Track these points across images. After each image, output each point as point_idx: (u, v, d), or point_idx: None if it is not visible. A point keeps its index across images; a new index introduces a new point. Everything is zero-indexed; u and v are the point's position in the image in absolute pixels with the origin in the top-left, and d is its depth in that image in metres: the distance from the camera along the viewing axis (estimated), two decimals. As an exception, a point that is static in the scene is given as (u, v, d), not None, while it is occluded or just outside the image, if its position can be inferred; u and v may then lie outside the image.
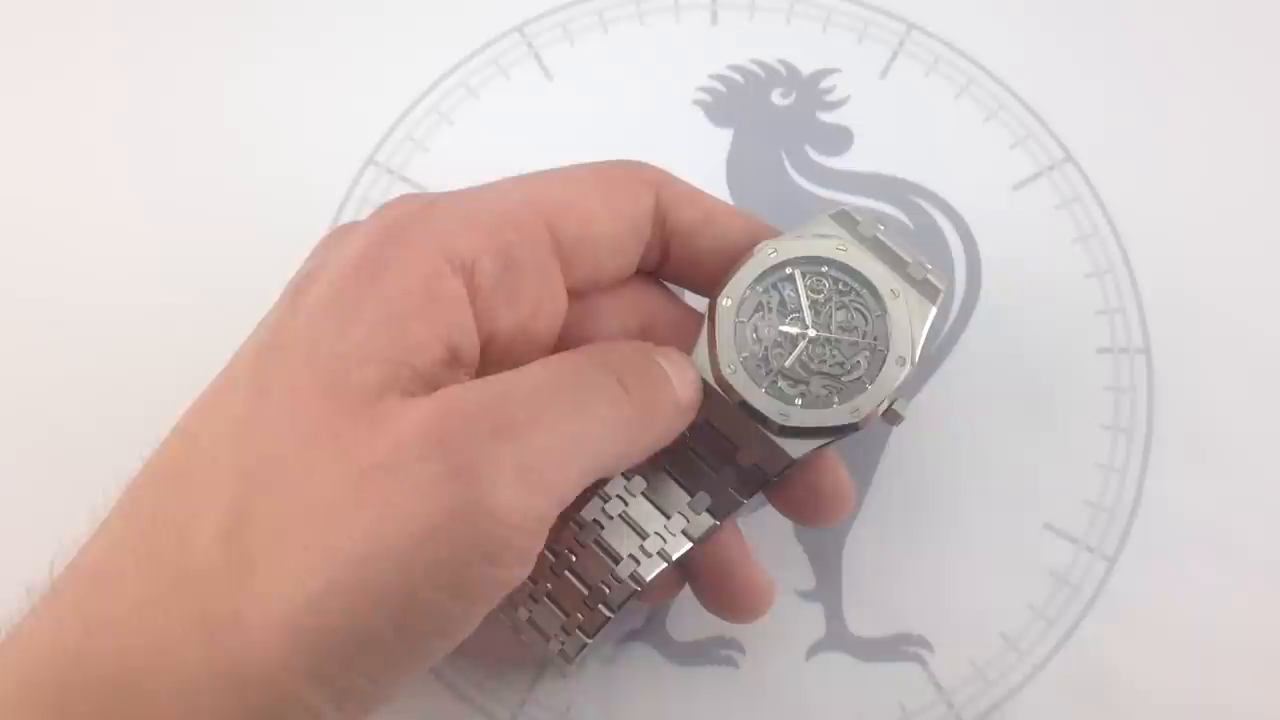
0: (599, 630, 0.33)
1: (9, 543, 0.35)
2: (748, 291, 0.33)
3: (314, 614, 0.26)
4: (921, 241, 0.42)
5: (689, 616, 0.39)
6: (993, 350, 0.42)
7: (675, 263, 0.35)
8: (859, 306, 0.34)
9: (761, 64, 0.45)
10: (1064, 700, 0.39)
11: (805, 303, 0.34)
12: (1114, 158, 0.44)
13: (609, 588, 0.33)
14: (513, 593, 0.29)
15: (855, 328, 0.33)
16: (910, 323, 0.33)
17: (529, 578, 0.29)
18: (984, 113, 0.44)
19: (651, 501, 0.34)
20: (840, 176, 0.44)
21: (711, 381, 0.33)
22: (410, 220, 0.30)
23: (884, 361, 0.33)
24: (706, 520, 0.34)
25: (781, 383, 0.33)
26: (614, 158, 0.34)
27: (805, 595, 0.40)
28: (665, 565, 0.33)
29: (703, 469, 0.33)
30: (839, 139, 0.44)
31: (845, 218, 0.34)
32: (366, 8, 0.46)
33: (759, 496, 0.35)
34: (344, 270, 0.29)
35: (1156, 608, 0.39)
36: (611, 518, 0.33)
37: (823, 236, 0.34)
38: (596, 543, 0.33)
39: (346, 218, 0.43)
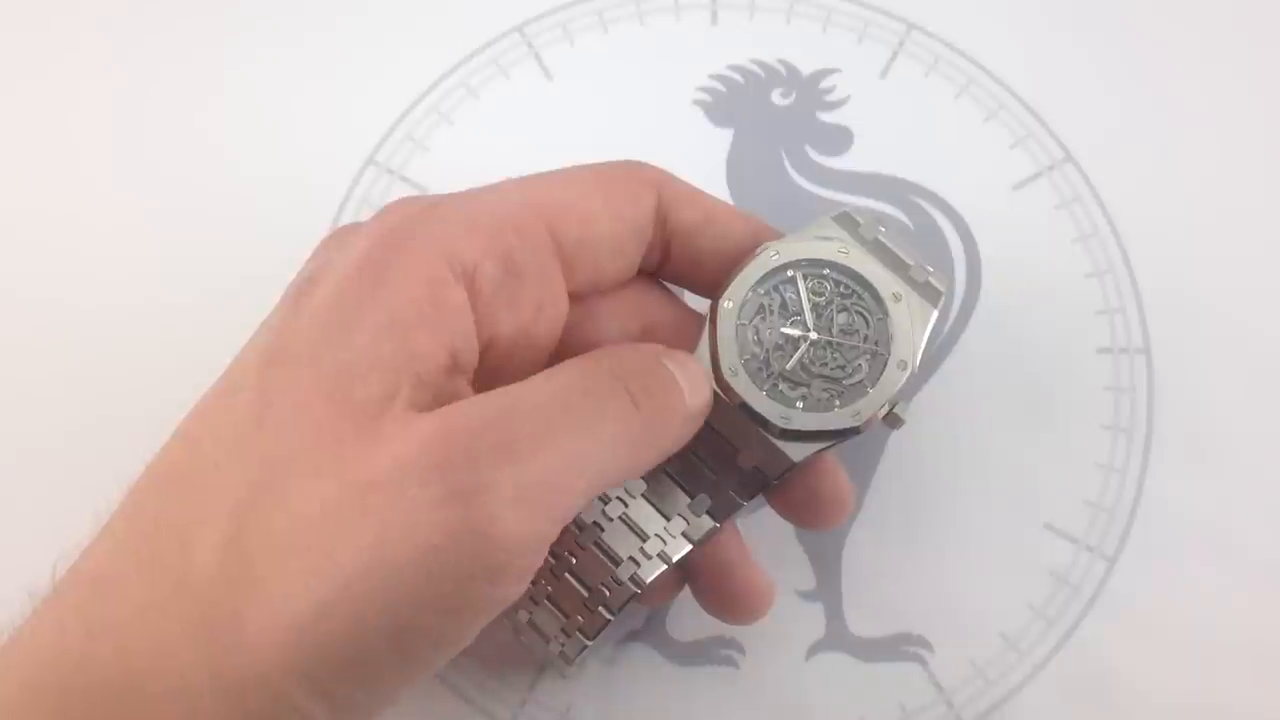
0: (599, 632, 0.33)
1: (11, 545, 0.35)
2: (749, 293, 0.33)
3: (313, 625, 0.26)
4: (922, 242, 0.42)
5: (689, 617, 0.39)
6: (993, 350, 0.42)
7: (676, 263, 0.35)
8: (860, 309, 0.34)
9: (761, 64, 0.45)
10: (1064, 700, 0.39)
11: (807, 305, 0.34)
12: (1114, 158, 0.44)
13: (609, 590, 0.33)
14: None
15: (857, 331, 0.33)
16: (912, 326, 0.33)
17: (529, 580, 0.29)
18: (984, 113, 0.44)
19: (651, 504, 0.34)
20: (840, 176, 0.44)
21: (712, 384, 0.33)
22: (412, 224, 0.30)
23: (885, 365, 0.33)
24: (706, 522, 0.34)
25: (783, 385, 0.33)
26: (614, 158, 0.34)
27: (805, 595, 0.40)
28: (665, 567, 0.33)
29: (703, 471, 0.33)
30: (839, 139, 0.44)
31: (847, 220, 0.34)
32: (367, 8, 0.46)
33: (759, 497, 0.35)
34: (347, 275, 0.29)
35: (1156, 608, 0.39)
36: (611, 520, 0.33)
37: (824, 239, 0.34)
38: (596, 545, 0.33)
39: (346, 218, 0.43)
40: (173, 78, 0.45)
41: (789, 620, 0.40)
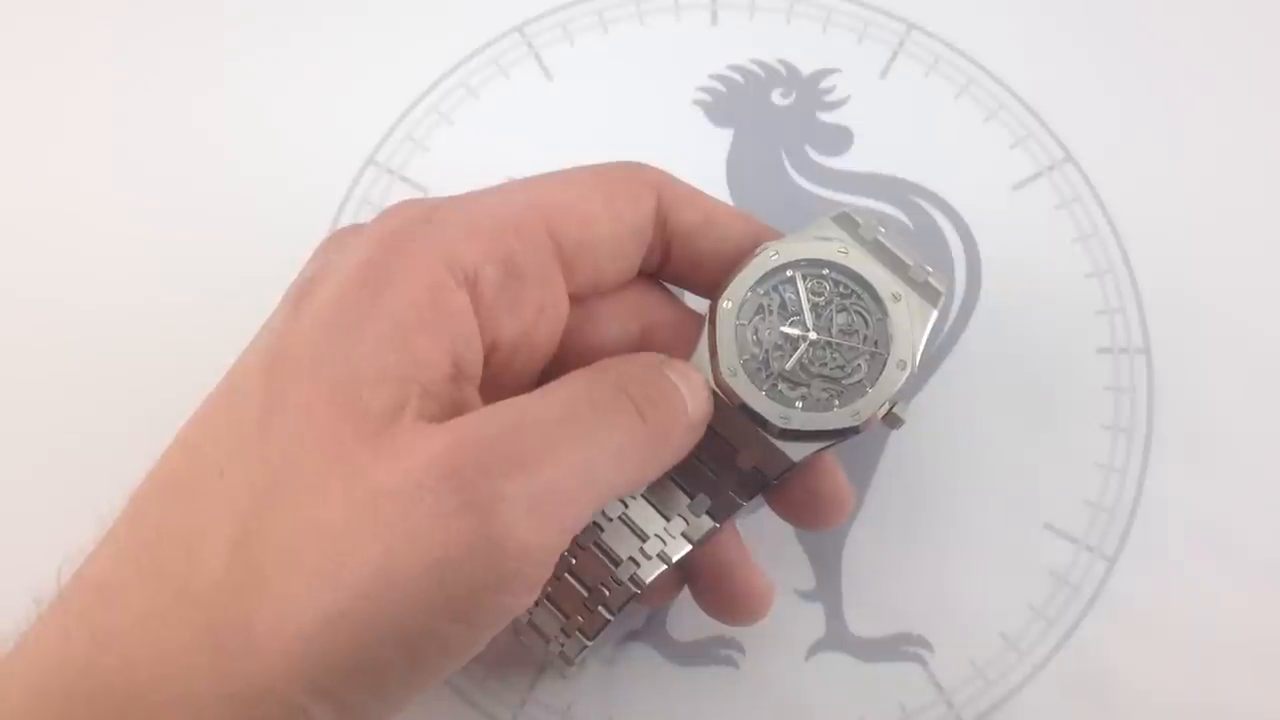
0: (599, 632, 0.33)
1: (13, 547, 0.35)
2: (748, 294, 0.33)
3: (322, 634, 0.25)
4: (921, 242, 0.42)
5: (689, 617, 0.39)
6: (993, 350, 0.42)
7: (676, 265, 0.35)
8: (860, 309, 0.34)
9: (761, 64, 0.45)
10: (1064, 700, 0.39)
11: (806, 305, 0.34)
12: (1114, 158, 0.44)
13: (609, 590, 0.33)
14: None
15: (856, 331, 0.33)
16: (911, 326, 0.33)
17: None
18: (984, 113, 0.44)
19: (651, 504, 0.34)
20: (840, 176, 0.44)
21: (712, 384, 0.33)
22: (413, 228, 0.30)
23: (885, 365, 0.33)
24: (706, 522, 0.34)
25: (782, 385, 0.33)
26: (614, 158, 0.34)
27: (805, 595, 0.40)
28: (665, 567, 0.33)
29: (703, 471, 0.33)
30: (839, 139, 0.44)
31: (846, 220, 0.34)
32: (367, 8, 0.46)
33: (759, 497, 0.35)
34: (348, 279, 0.29)
35: (1156, 608, 0.39)
36: (611, 520, 0.33)
37: (824, 239, 0.34)
38: (596, 545, 0.33)
39: (346, 218, 0.43)
40: (172, 77, 0.45)
41: (789, 620, 0.40)
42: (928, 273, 0.34)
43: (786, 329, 0.33)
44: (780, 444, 0.33)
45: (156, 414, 0.30)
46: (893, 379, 0.33)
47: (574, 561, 0.33)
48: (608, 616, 0.33)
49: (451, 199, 0.32)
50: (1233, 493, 0.40)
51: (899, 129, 0.44)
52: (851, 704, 0.39)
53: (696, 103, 0.45)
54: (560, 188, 0.32)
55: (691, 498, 0.34)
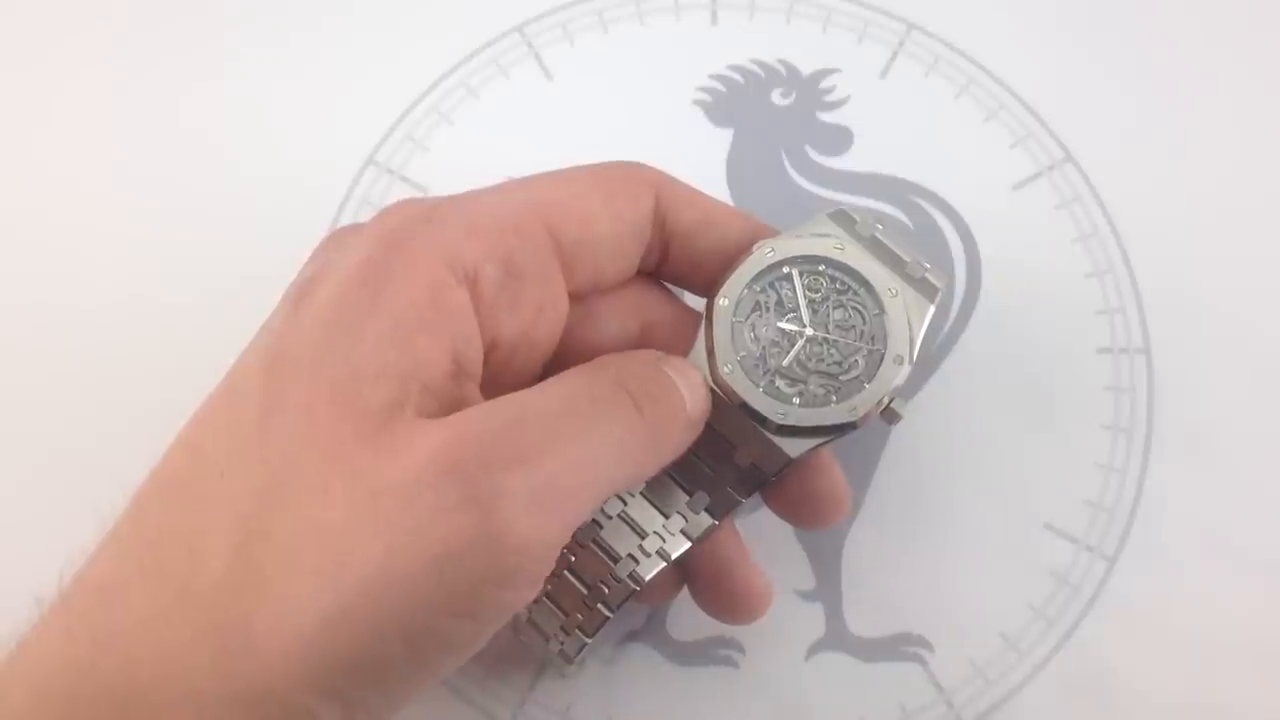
0: (598, 630, 0.33)
1: (14, 549, 0.35)
2: (745, 291, 0.33)
3: (325, 634, 0.25)
4: (921, 241, 0.42)
5: (689, 617, 0.39)
6: (993, 350, 0.42)
7: (675, 263, 0.35)
8: (857, 305, 0.34)
9: (761, 64, 0.45)
10: (1064, 700, 0.39)
11: (803, 302, 0.34)
12: (1114, 158, 0.44)
13: (608, 587, 0.33)
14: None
15: (853, 327, 0.33)
16: (908, 322, 0.33)
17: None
18: (984, 113, 0.44)
19: (650, 501, 0.34)
20: (840, 176, 0.44)
21: (710, 381, 0.33)
22: (413, 227, 0.30)
23: (882, 360, 0.33)
24: (705, 520, 0.34)
25: (779, 382, 0.33)
26: (614, 158, 0.34)
27: (805, 595, 0.40)
28: (664, 565, 0.33)
29: (701, 468, 0.33)
30: (839, 139, 0.44)
31: (843, 217, 0.34)
32: (367, 8, 0.46)
33: (758, 496, 0.35)
34: (348, 278, 0.29)
35: (1156, 608, 0.39)
36: (610, 517, 0.33)
37: (820, 236, 0.34)
38: (595, 542, 0.33)
39: (346, 217, 0.43)
40: (172, 77, 0.45)
41: (789, 620, 0.40)
42: (925, 269, 0.34)
43: (783, 325, 0.33)
44: (778, 440, 0.33)
45: (157, 414, 0.30)
46: (890, 374, 0.33)
47: (573, 559, 0.33)
48: (607, 614, 0.33)
49: (451, 198, 0.32)
50: (1233, 493, 0.40)
51: (899, 129, 0.44)
52: (851, 704, 0.39)
53: (696, 103, 0.45)
54: (560, 187, 0.33)
55: (690, 495, 0.34)
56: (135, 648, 0.26)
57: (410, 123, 0.45)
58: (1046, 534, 0.40)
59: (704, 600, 0.36)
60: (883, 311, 0.33)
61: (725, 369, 0.33)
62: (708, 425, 0.33)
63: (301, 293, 0.30)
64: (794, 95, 0.45)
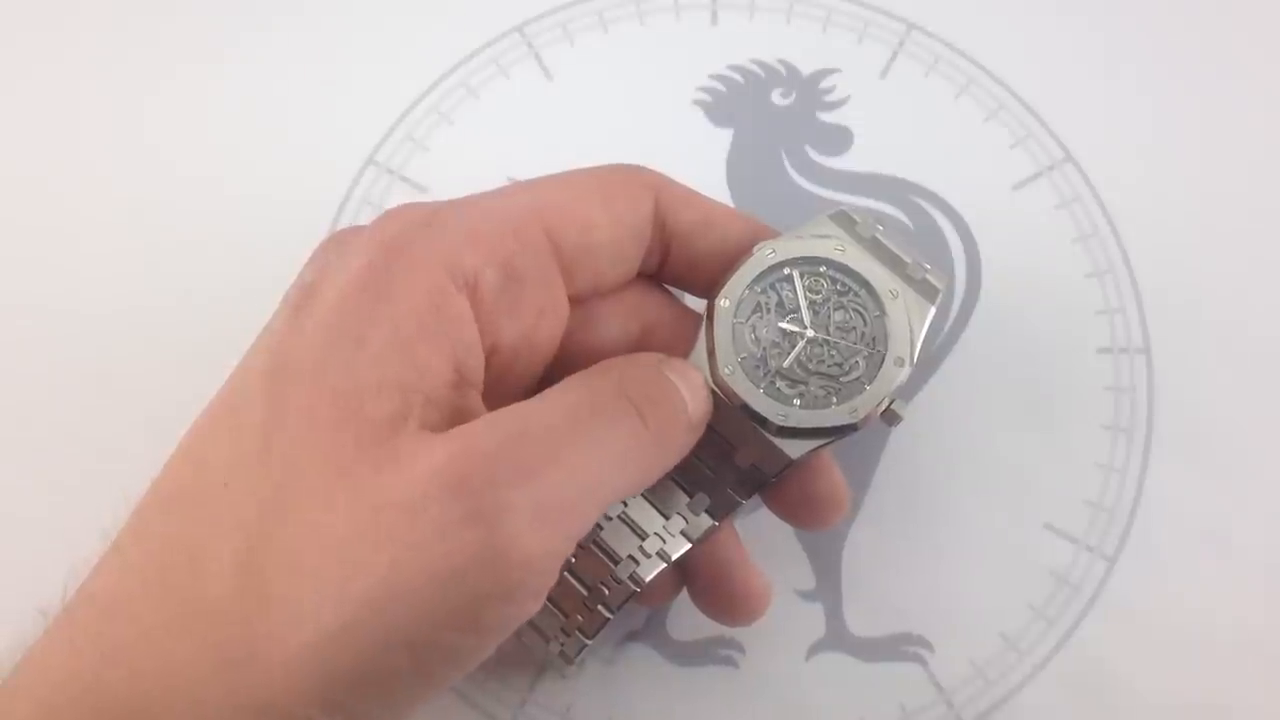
0: (598, 631, 0.33)
1: (18, 562, 0.35)
2: (745, 292, 0.33)
3: (329, 646, 0.25)
4: (921, 241, 0.42)
5: (689, 617, 0.39)
6: (993, 350, 0.42)
7: (675, 265, 0.35)
8: (857, 307, 0.34)
9: (761, 64, 0.45)
10: (1064, 700, 0.39)
11: (803, 303, 0.34)
12: (1114, 158, 0.44)
13: (608, 589, 0.33)
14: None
15: (853, 328, 0.33)
16: (909, 323, 0.33)
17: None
18: (984, 113, 0.44)
19: (650, 502, 0.34)
20: (840, 176, 0.44)
21: (710, 383, 0.33)
22: (413, 232, 0.30)
23: (882, 362, 0.33)
24: (705, 521, 0.34)
25: (780, 383, 0.33)
26: (614, 158, 0.34)
27: (805, 595, 0.40)
28: (664, 566, 0.33)
29: (701, 470, 0.33)
30: (839, 139, 0.44)
31: (844, 218, 0.34)
32: (367, 8, 0.46)
33: (758, 497, 0.35)
34: (348, 285, 0.29)
35: (1156, 608, 0.39)
36: (610, 518, 0.33)
37: (821, 237, 0.34)
38: (595, 544, 0.33)
39: (346, 218, 0.43)
40: (172, 77, 0.45)
41: (789, 620, 0.40)
42: (925, 270, 0.34)
43: (784, 326, 0.33)
44: (778, 442, 0.33)
45: (157, 417, 0.30)
46: (891, 376, 0.33)
47: (574, 560, 0.33)
48: (607, 615, 0.33)
49: (450, 203, 0.31)
50: (1233, 493, 0.40)
51: (899, 129, 0.44)
52: (851, 704, 0.39)
53: (696, 103, 0.45)
54: (559, 191, 0.32)
55: (690, 496, 0.34)
56: (140, 660, 0.26)
57: (410, 123, 0.45)
58: (1046, 534, 0.40)
59: (703, 602, 0.36)
60: (883, 313, 0.33)
61: (726, 370, 0.33)
62: (708, 426, 0.33)
63: (302, 298, 0.30)
64: (794, 95, 0.45)
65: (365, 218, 0.43)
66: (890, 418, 0.33)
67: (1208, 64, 0.45)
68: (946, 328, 0.42)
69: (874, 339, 0.33)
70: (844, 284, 0.34)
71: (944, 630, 0.40)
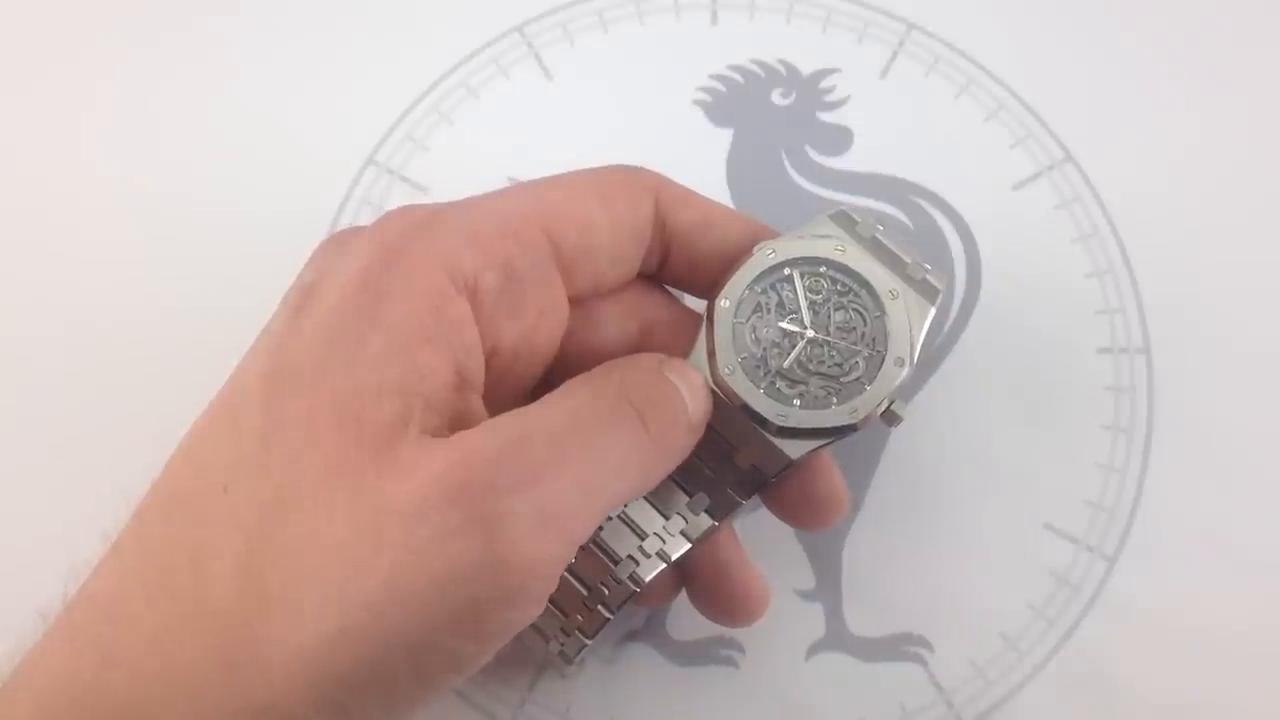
0: (598, 631, 0.33)
1: (17, 563, 0.35)
2: (746, 292, 0.33)
3: (331, 652, 0.26)
4: (921, 241, 0.42)
5: (689, 617, 0.39)
6: (993, 350, 0.42)
7: (675, 266, 0.35)
8: (857, 307, 0.34)
9: (761, 64, 0.45)
10: (1064, 700, 0.39)
11: (804, 303, 0.34)
12: (1114, 158, 0.44)
13: (608, 589, 0.33)
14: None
15: (854, 329, 0.33)
16: (909, 323, 0.33)
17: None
18: (984, 113, 0.44)
19: (650, 502, 0.33)
20: (840, 176, 0.44)
21: (710, 383, 0.33)
22: (413, 234, 0.30)
23: (882, 362, 0.33)
24: (705, 521, 0.34)
25: (780, 384, 0.33)
26: (614, 158, 0.34)
27: (805, 595, 0.40)
28: (664, 566, 0.33)
29: (701, 470, 0.33)
30: (839, 139, 0.44)
31: (844, 218, 0.34)
32: (367, 8, 0.46)
33: (758, 497, 0.35)
34: (347, 288, 0.29)
35: (1156, 608, 0.39)
36: (610, 519, 0.33)
37: (821, 237, 0.34)
38: (595, 543, 0.33)
39: (346, 218, 0.43)
40: (172, 78, 0.45)
41: (789, 620, 0.40)
42: (926, 270, 0.34)
43: (784, 326, 0.33)
44: (778, 442, 0.33)
45: (157, 418, 0.30)
46: (891, 376, 0.33)
47: (573, 560, 0.33)
48: (607, 615, 0.33)
49: (450, 204, 0.31)
50: (1233, 493, 0.40)
51: (899, 129, 0.44)
52: (851, 704, 0.39)
53: (696, 103, 0.45)
54: (558, 192, 0.32)
55: (690, 496, 0.34)
56: (140, 662, 0.26)
57: (410, 123, 0.45)
58: (1046, 534, 0.40)
59: (702, 602, 0.36)
60: (883, 313, 0.33)
61: (726, 370, 0.33)
62: (708, 427, 0.33)
63: (301, 299, 0.30)
64: (794, 95, 0.45)
65: (365, 218, 0.43)
66: (890, 418, 0.33)
67: (1208, 64, 0.45)
68: (946, 328, 0.42)
69: (874, 339, 0.33)
70: (844, 284, 0.34)
71: (944, 630, 0.40)
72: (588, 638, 0.33)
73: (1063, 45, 0.45)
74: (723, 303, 0.33)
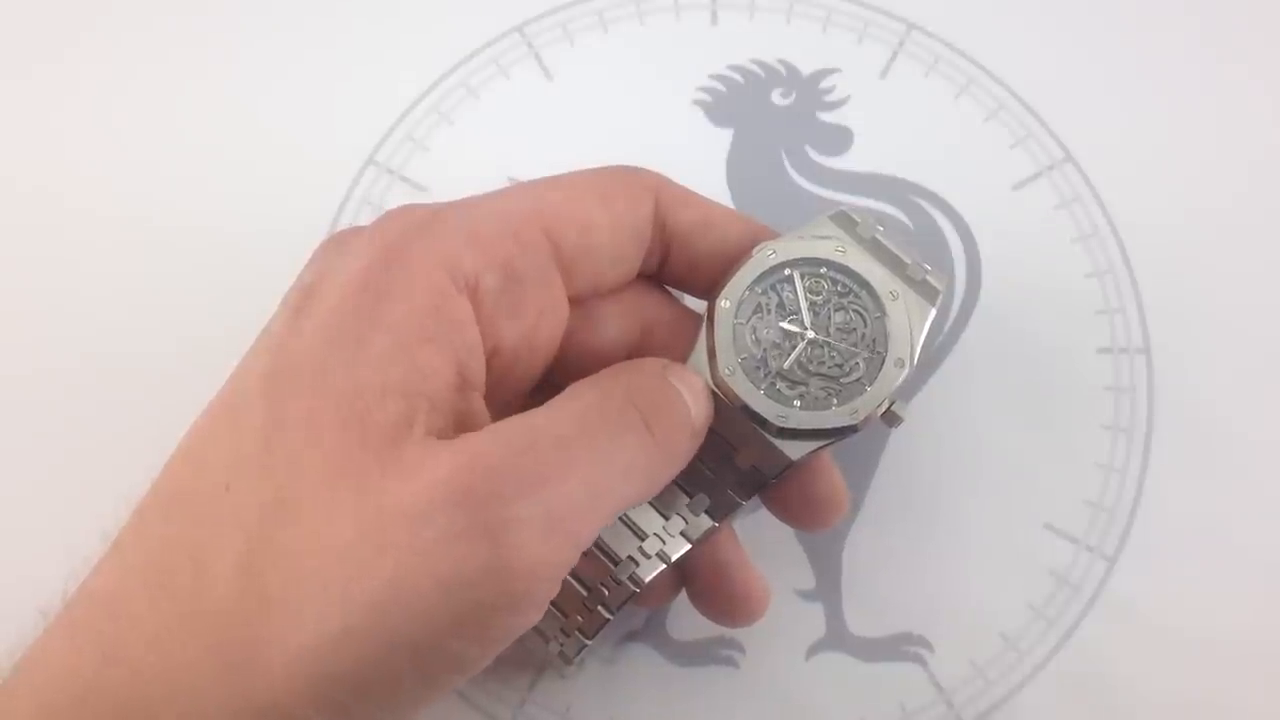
0: (598, 631, 0.33)
1: (16, 561, 0.35)
2: (746, 293, 0.33)
3: (332, 650, 0.25)
4: (921, 241, 0.42)
5: (689, 617, 0.39)
6: (993, 350, 0.42)
7: (675, 266, 0.35)
8: (858, 308, 0.34)
9: (761, 64, 0.45)
10: (1064, 700, 0.39)
11: (804, 304, 0.34)
12: (1114, 158, 0.44)
13: (608, 589, 0.33)
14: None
15: (854, 329, 0.33)
16: (909, 324, 0.33)
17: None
18: (984, 113, 0.44)
19: (650, 503, 0.33)
20: (840, 176, 0.44)
21: (710, 384, 0.33)
22: (413, 233, 0.30)
23: (883, 363, 0.33)
24: (705, 522, 0.34)
25: (780, 384, 0.33)
26: (614, 158, 0.34)
27: (805, 595, 0.40)
28: (664, 566, 0.33)
29: (702, 471, 0.33)
30: (839, 139, 0.44)
31: (844, 219, 0.34)
32: (367, 8, 0.46)
33: (758, 497, 0.35)
34: (348, 286, 0.29)
35: (1156, 608, 0.39)
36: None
37: (822, 238, 0.34)
38: (595, 544, 0.33)
39: (346, 218, 0.43)
40: (171, 76, 0.45)
41: (789, 620, 0.40)
42: (926, 271, 0.34)
43: (785, 327, 0.33)
44: (778, 443, 0.33)
45: (157, 418, 0.30)
46: (891, 377, 0.33)
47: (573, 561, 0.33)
48: (607, 616, 0.33)
49: (450, 204, 0.31)
50: (1233, 493, 0.40)
51: (899, 129, 0.44)
52: (851, 704, 0.39)
53: (696, 103, 0.45)
54: (558, 192, 0.32)
55: (690, 497, 0.34)
56: (141, 660, 0.26)
57: (410, 123, 0.45)
58: (1046, 534, 0.40)
59: (702, 603, 0.36)
60: (884, 314, 0.33)
61: (726, 371, 0.33)
62: (709, 428, 0.33)
63: (302, 299, 0.30)
64: (794, 95, 0.45)
65: (365, 218, 0.43)
66: (891, 419, 0.33)
67: (1207, 64, 0.45)
68: (946, 328, 0.42)
69: (874, 340, 0.33)
70: (844, 285, 0.34)
71: (944, 630, 0.40)
72: (588, 638, 0.33)
73: (1063, 45, 0.45)
74: (723, 303, 0.33)
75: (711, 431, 0.33)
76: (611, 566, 0.33)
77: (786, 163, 0.44)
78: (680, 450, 0.32)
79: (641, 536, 0.33)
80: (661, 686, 0.39)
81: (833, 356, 0.33)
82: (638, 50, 0.45)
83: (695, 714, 0.39)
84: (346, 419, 0.27)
